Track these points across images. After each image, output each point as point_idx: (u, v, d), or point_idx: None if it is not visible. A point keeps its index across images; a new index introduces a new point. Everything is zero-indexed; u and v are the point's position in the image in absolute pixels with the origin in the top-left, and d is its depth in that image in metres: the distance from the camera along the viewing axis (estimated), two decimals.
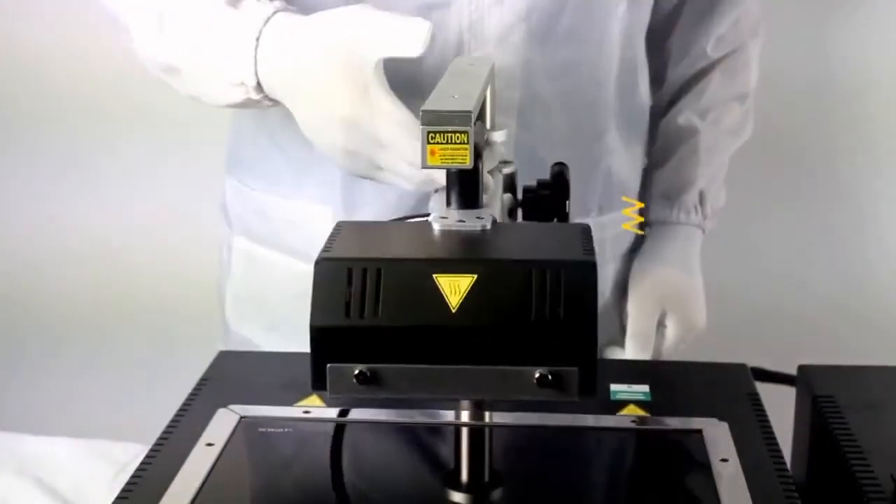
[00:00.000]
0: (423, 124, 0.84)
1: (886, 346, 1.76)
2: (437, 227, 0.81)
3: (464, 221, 0.81)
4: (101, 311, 1.89)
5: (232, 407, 0.97)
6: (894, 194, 1.80)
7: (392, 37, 0.90)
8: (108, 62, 1.55)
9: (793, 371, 1.09)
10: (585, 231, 0.81)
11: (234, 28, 1.01)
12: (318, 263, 0.75)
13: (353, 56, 0.92)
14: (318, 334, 0.74)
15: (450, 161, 0.85)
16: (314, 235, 1.21)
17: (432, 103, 0.86)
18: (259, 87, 1.01)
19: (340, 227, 0.83)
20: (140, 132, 1.71)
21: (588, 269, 0.74)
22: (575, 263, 0.75)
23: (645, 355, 1.25)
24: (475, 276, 0.73)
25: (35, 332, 1.91)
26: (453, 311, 0.73)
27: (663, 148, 1.34)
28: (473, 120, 0.85)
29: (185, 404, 0.98)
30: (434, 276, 0.74)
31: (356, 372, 0.74)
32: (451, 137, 0.84)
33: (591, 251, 0.77)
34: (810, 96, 1.73)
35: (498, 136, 0.98)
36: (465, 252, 0.78)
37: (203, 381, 1.03)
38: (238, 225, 1.30)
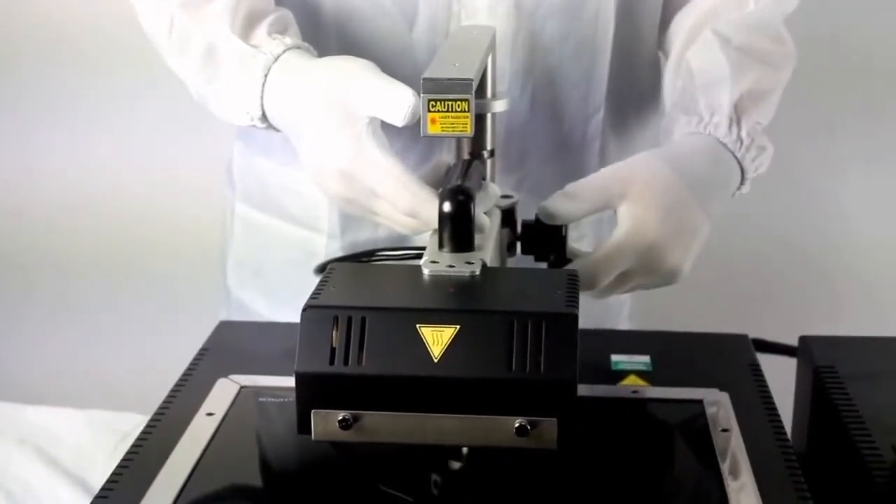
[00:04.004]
0: (423, 92, 0.84)
1: (888, 317, 1.76)
2: (426, 271, 0.81)
3: (453, 266, 0.81)
4: (102, 278, 1.89)
5: (232, 377, 0.97)
6: None
7: (380, 101, 0.92)
8: (116, 16, 1.55)
9: (794, 342, 1.09)
10: (572, 278, 0.82)
11: (243, 62, 1.03)
12: (304, 310, 0.76)
13: (347, 111, 0.93)
14: (303, 380, 0.76)
15: (450, 129, 0.84)
16: (311, 203, 1.22)
17: (433, 71, 0.85)
18: (264, 117, 1.03)
19: (333, 270, 0.83)
20: (153, 87, 1.67)
21: (569, 321, 0.75)
22: (556, 315, 0.75)
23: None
24: (457, 327, 0.75)
25: (35, 300, 1.91)
26: (436, 360, 0.74)
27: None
28: (474, 88, 0.84)
29: (185, 374, 0.99)
30: (417, 326, 0.75)
31: (340, 418, 0.75)
32: (452, 106, 0.84)
33: (573, 301, 0.78)
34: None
35: (499, 106, 0.98)
36: (450, 302, 0.78)
37: (203, 351, 1.03)
38: (240, 189, 1.30)
